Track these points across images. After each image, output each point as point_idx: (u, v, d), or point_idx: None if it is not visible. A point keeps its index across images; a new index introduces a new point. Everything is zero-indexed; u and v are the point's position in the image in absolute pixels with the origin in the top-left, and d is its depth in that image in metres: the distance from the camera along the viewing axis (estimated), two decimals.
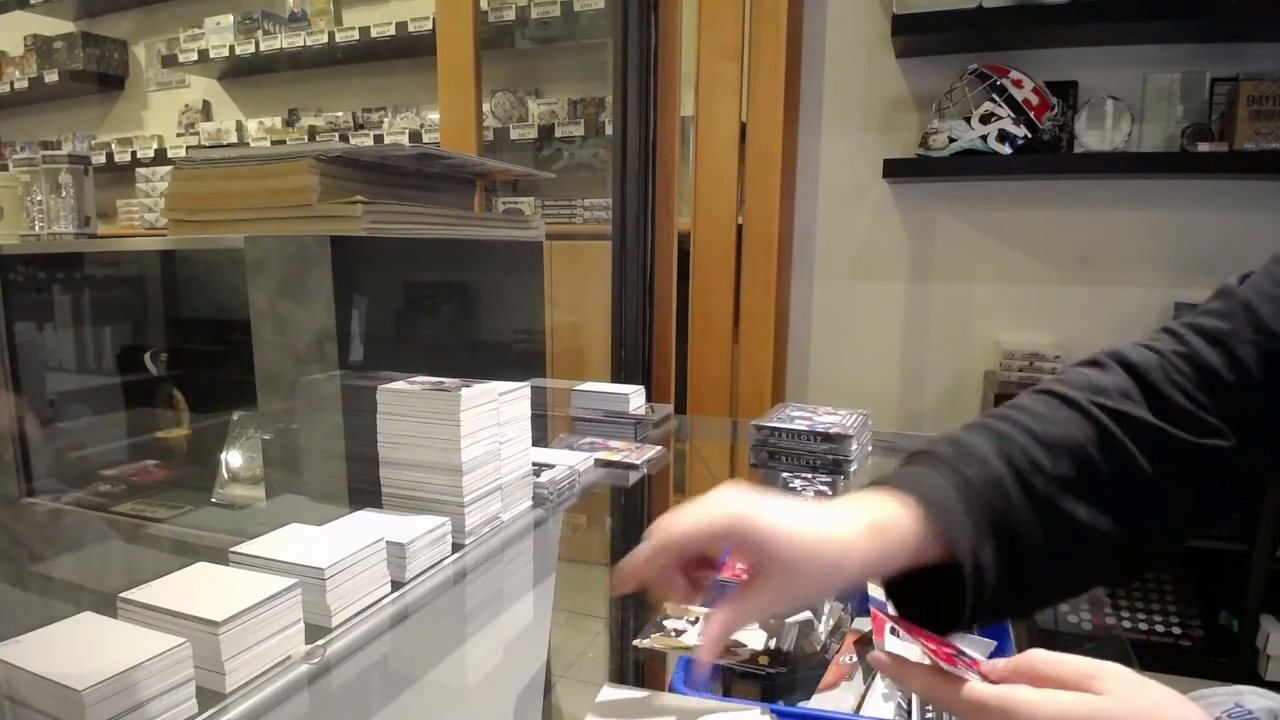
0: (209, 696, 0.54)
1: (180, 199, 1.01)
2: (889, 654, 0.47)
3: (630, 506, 1.21)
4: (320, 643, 0.62)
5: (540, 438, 1.21)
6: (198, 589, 0.60)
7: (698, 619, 0.73)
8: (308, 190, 0.92)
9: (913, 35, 2.19)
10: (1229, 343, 0.51)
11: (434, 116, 2.98)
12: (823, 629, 0.72)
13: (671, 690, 0.62)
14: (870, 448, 1.30)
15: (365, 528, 0.74)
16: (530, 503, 0.93)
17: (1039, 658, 0.43)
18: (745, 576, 0.54)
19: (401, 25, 2.91)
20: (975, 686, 0.42)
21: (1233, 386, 0.50)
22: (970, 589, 0.48)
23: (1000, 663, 0.45)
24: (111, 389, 1.40)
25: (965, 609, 0.48)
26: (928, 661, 0.45)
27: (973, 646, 0.70)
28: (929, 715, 0.60)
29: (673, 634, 0.70)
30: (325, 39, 3.04)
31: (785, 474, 1.14)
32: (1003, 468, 0.50)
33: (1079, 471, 0.50)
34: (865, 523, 0.49)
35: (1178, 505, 0.51)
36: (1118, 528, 0.49)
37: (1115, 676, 0.40)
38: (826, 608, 0.75)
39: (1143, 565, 0.56)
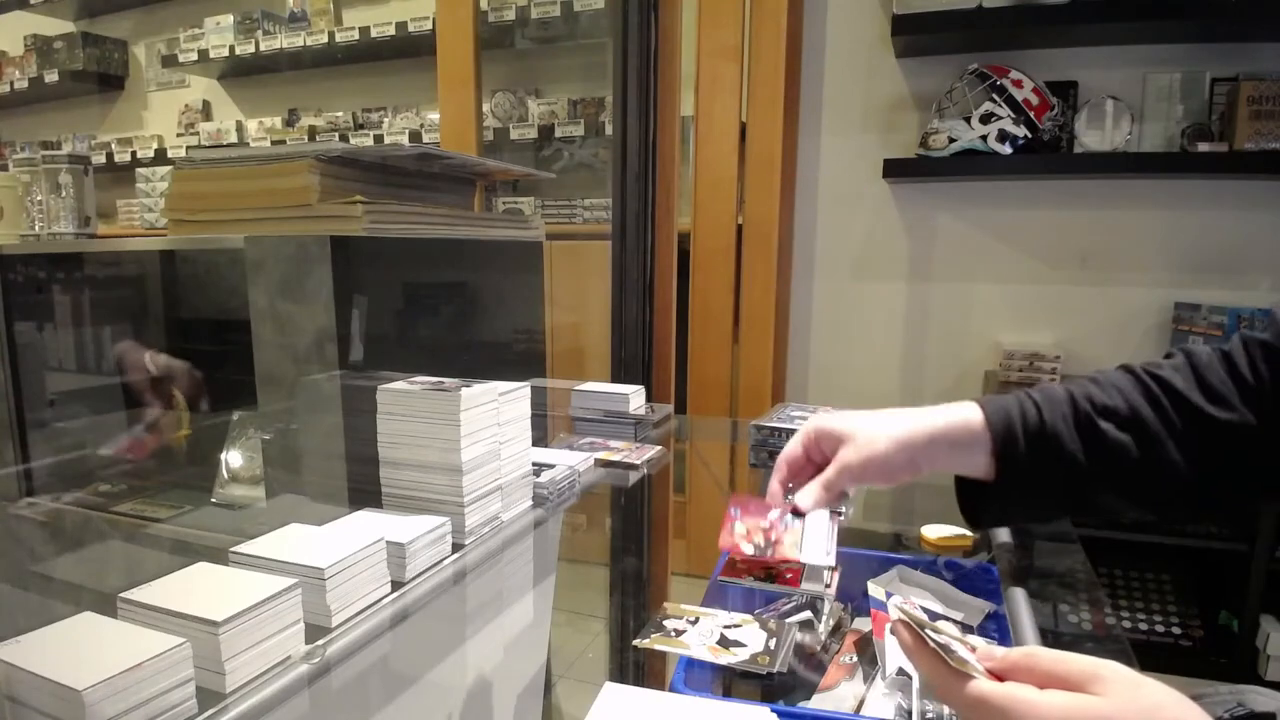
0: (209, 696, 0.54)
1: (180, 199, 1.01)
2: (908, 626, 0.47)
3: (630, 506, 1.21)
4: (320, 643, 0.62)
5: (540, 438, 1.21)
6: (198, 589, 0.60)
7: (697, 619, 0.73)
8: (308, 190, 0.92)
9: (913, 35, 2.19)
10: (1249, 348, 0.65)
11: (434, 116, 2.98)
12: (823, 629, 0.72)
13: (671, 690, 0.62)
14: None
15: (365, 528, 0.74)
16: (530, 503, 0.93)
17: (1040, 653, 0.43)
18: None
19: (401, 25, 2.91)
20: (979, 684, 0.42)
21: (1249, 382, 0.63)
22: (999, 454, 0.64)
23: (1000, 651, 0.45)
24: (111, 389, 1.40)
25: (1002, 479, 0.65)
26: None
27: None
28: (929, 716, 0.60)
29: (672, 634, 0.70)
30: (325, 39, 3.04)
31: None
32: (1062, 392, 0.67)
33: (1122, 405, 0.64)
34: (928, 414, 0.67)
35: (1200, 464, 0.63)
36: (1142, 457, 0.63)
37: (1116, 677, 0.40)
38: (826, 607, 0.75)
39: (1163, 510, 0.70)
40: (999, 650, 0.45)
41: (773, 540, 0.81)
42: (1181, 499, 0.66)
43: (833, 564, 0.73)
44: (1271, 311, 0.66)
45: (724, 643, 0.69)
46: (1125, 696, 0.40)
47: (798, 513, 0.70)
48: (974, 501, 0.71)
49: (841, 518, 0.74)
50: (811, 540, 0.72)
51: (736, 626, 0.71)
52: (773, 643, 0.68)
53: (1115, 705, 0.39)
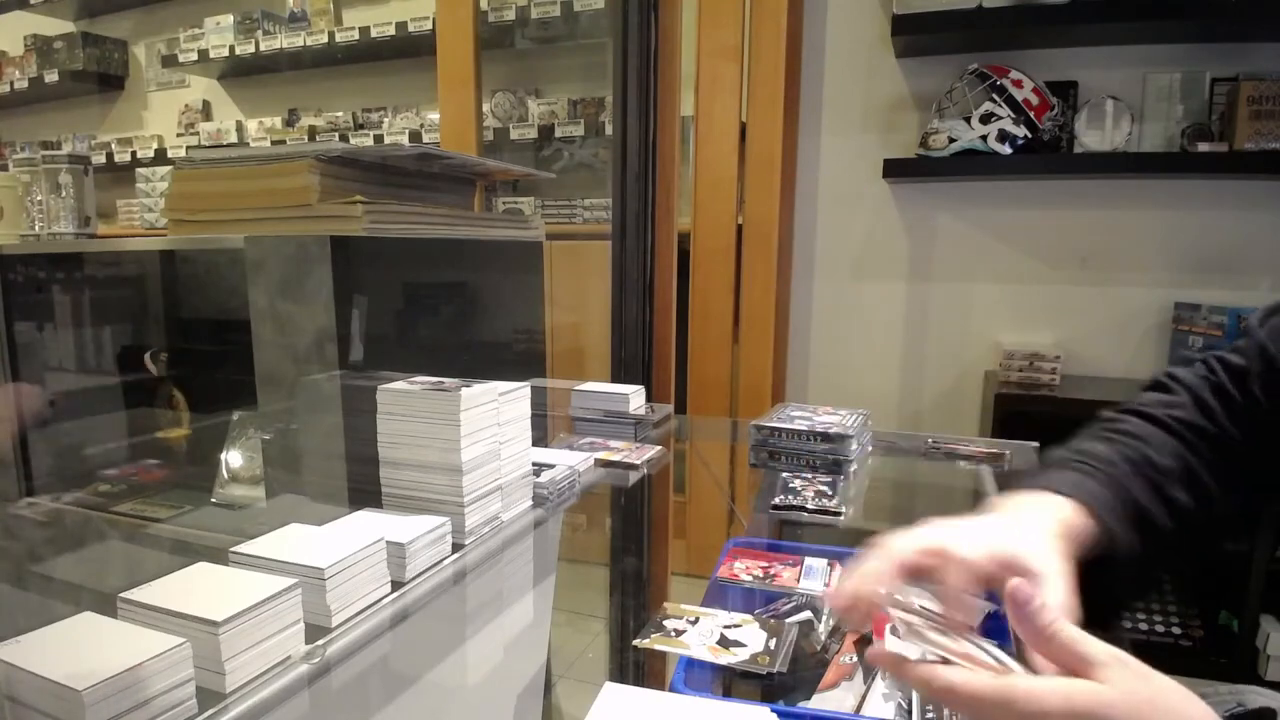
0: (209, 696, 0.54)
1: (180, 199, 1.01)
2: (888, 651, 0.47)
3: (630, 506, 1.21)
4: (320, 643, 0.62)
5: (540, 438, 1.21)
6: (198, 589, 0.60)
7: (697, 619, 0.73)
8: (308, 190, 0.92)
9: (913, 35, 2.19)
10: (1245, 380, 0.64)
11: (434, 116, 2.98)
12: (823, 629, 0.72)
13: (671, 690, 0.62)
14: (870, 448, 1.30)
15: (365, 528, 0.74)
16: (530, 503, 0.93)
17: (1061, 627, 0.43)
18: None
19: (401, 25, 2.91)
20: (971, 680, 0.42)
21: (1243, 410, 0.63)
22: (1114, 549, 0.57)
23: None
24: (111, 389, 1.40)
25: (1119, 583, 0.59)
26: (930, 658, 0.45)
27: None
28: (929, 715, 0.60)
29: (672, 634, 0.70)
30: (325, 39, 3.04)
31: (785, 474, 1.14)
32: (1127, 467, 0.62)
33: (1176, 466, 0.62)
34: (1056, 527, 0.57)
35: (1227, 494, 0.63)
36: (1200, 509, 0.61)
37: (1123, 665, 0.40)
38: (826, 607, 0.75)
39: (1207, 550, 0.70)
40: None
41: (771, 574, 0.82)
42: (1224, 535, 0.67)
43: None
44: (1247, 326, 0.65)
45: (724, 642, 0.69)
46: (1129, 686, 0.39)
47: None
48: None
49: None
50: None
51: (736, 626, 0.71)
52: (773, 643, 0.68)
53: (1115, 694, 0.39)
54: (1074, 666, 0.41)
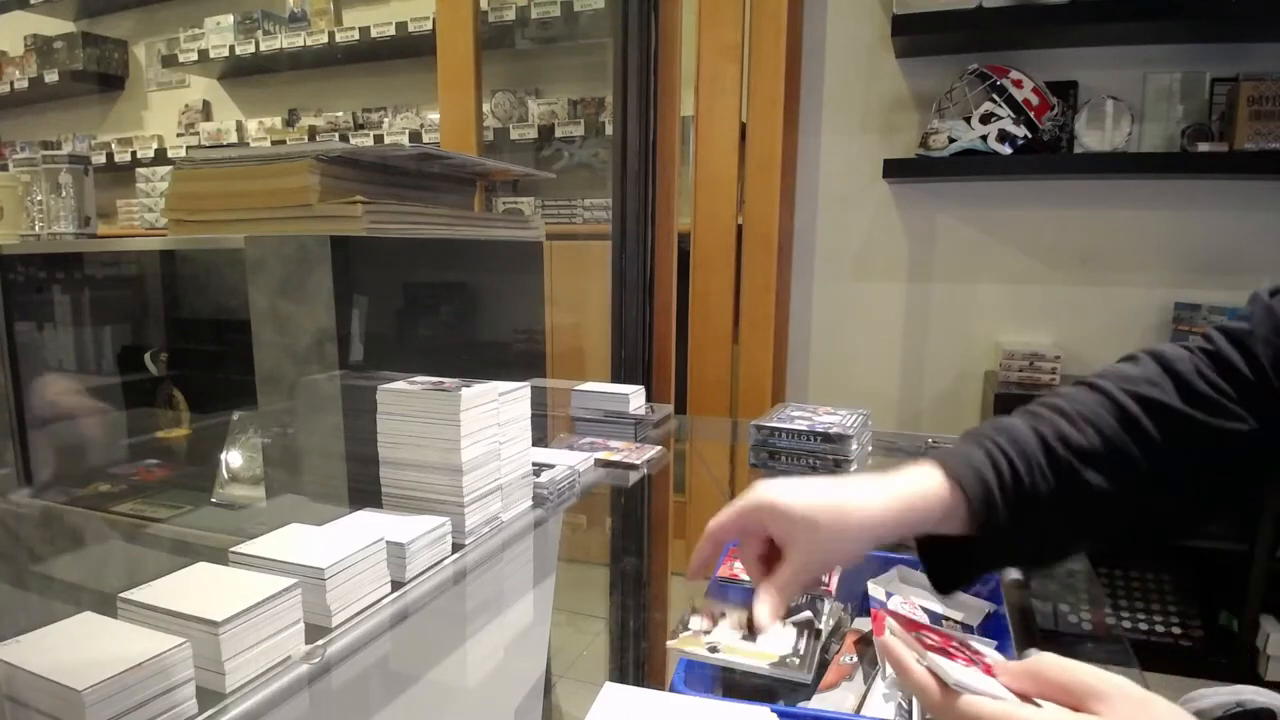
0: (209, 696, 0.54)
1: (180, 199, 1.01)
2: (894, 643, 0.47)
3: (630, 506, 1.21)
4: (320, 643, 0.62)
5: (540, 438, 1.21)
6: (198, 589, 0.60)
7: (723, 614, 0.73)
8: (308, 190, 0.92)
9: (913, 35, 2.19)
10: (1248, 342, 0.58)
11: (434, 116, 2.98)
12: (823, 629, 0.72)
13: (672, 690, 0.62)
14: (870, 448, 1.30)
15: (365, 528, 0.74)
16: (530, 503, 0.93)
17: (1047, 663, 0.43)
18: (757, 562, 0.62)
19: (401, 25, 2.91)
20: (971, 700, 0.42)
21: (1250, 380, 0.57)
22: (979, 523, 0.56)
23: (1007, 664, 0.45)
24: (111, 389, 1.40)
25: (979, 548, 0.57)
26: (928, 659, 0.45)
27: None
28: (930, 716, 0.59)
29: (701, 634, 0.70)
30: (325, 39, 3.04)
31: (785, 474, 1.14)
32: (1031, 437, 0.58)
33: (1100, 444, 0.57)
34: (891, 487, 0.58)
35: (1194, 483, 0.58)
36: (1128, 496, 0.57)
37: (1120, 695, 0.40)
38: (826, 607, 0.75)
39: (1156, 535, 0.65)
40: (1001, 660, 0.45)
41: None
42: (1178, 519, 0.61)
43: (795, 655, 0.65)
44: (1254, 295, 0.61)
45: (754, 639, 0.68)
46: (1125, 716, 0.39)
47: (756, 632, 0.59)
48: (941, 566, 0.63)
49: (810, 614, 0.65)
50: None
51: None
52: (802, 644, 0.68)
53: None
54: (1067, 699, 0.41)
